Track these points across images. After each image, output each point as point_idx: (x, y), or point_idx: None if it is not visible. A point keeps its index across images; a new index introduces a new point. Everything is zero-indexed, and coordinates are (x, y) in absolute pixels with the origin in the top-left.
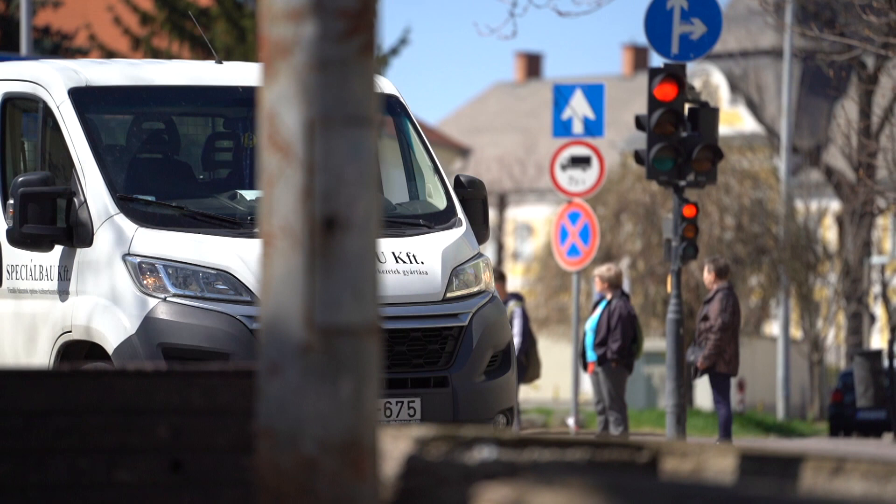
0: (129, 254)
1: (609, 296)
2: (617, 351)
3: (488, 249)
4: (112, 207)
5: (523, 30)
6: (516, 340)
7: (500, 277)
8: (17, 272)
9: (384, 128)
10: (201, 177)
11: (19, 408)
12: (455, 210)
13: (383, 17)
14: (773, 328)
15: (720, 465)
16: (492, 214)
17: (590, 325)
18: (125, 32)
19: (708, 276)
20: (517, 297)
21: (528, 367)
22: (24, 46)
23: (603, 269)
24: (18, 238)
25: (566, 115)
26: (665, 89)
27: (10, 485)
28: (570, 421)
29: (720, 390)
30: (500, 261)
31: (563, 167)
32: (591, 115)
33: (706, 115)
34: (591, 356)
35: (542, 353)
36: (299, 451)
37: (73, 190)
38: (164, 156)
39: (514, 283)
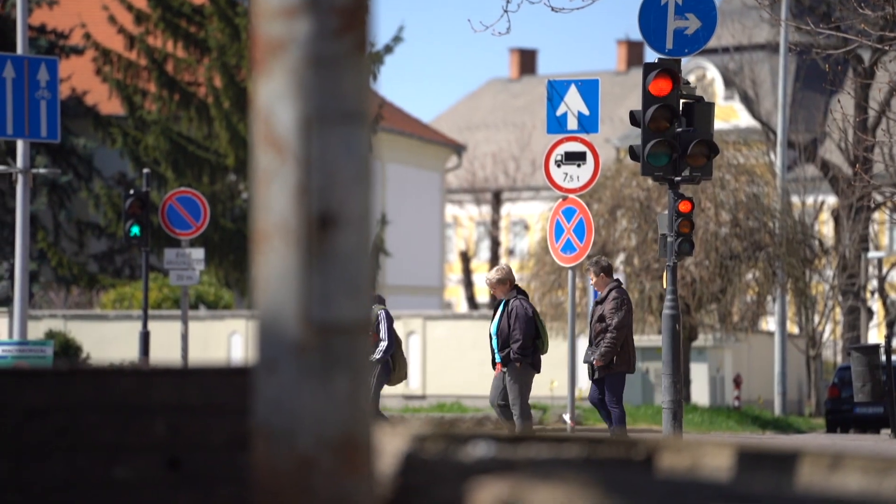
0: None
1: (506, 297)
2: (519, 350)
3: (484, 246)
4: None
5: (517, 26)
6: (382, 344)
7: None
8: None
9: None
10: None
11: (16, 406)
12: None
13: (377, 15)
14: (770, 324)
15: (717, 461)
16: (486, 211)
17: (492, 328)
18: (120, 31)
19: (595, 279)
20: (380, 299)
21: (395, 369)
22: (19, 45)
23: (491, 274)
24: None
25: (560, 110)
26: (660, 84)
27: (8, 483)
28: (567, 417)
29: (615, 390)
30: (495, 257)
31: (558, 163)
32: (585, 110)
33: (701, 110)
34: (499, 357)
35: None
36: (295, 449)
37: None
38: None
39: None
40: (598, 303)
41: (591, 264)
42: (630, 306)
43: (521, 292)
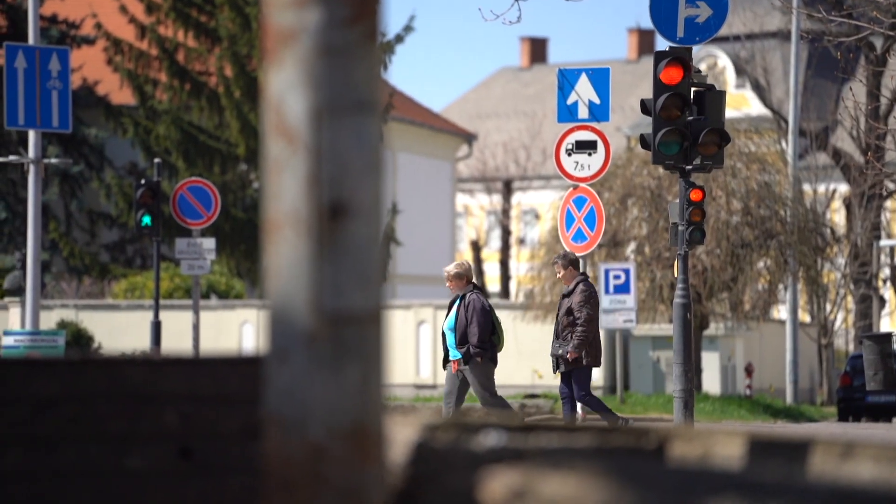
0: None
1: (461, 292)
2: (477, 344)
3: (494, 235)
4: None
5: (528, 14)
6: None
7: None
8: None
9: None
10: None
11: (28, 395)
12: None
13: (387, 4)
14: (781, 312)
15: (728, 450)
16: (497, 200)
17: (447, 325)
18: (131, 21)
19: (563, 272)
20: None
21: None
22: (31, 35)
23: (450, 267)
24: None
25: (571, 99)
26: (671, 73)
27: (20, 472)
28: (578, 406)
29: (582, 384)
30: (506, 246)
31: (569, 152)
32: (596, 99)
33: (712, 98)
34: (454, 355)
35: (547, 338)
36: (307, 438)
37: None
38: None
39: (519, 268)
40: (566, 296)
41: (558, 258)
42: (597, 300)
43: (478, 288)
